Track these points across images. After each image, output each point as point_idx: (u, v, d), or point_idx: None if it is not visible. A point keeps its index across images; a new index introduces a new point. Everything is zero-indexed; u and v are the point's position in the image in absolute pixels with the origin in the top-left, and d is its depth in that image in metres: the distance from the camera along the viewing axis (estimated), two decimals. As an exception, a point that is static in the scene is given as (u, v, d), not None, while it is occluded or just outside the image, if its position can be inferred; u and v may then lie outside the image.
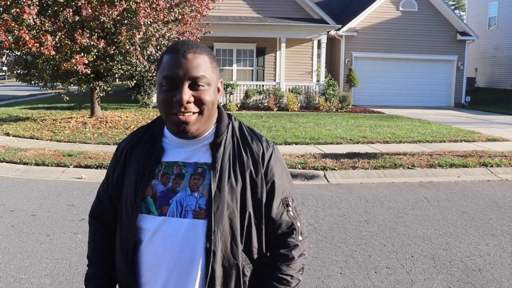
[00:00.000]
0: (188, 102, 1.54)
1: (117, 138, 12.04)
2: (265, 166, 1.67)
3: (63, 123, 14.48)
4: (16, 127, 13.68)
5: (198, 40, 14.91)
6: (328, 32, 21.75)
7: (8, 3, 11.69)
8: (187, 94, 1.53)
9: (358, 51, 23.32)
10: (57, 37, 12.06)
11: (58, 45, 12.18)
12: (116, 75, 14.74)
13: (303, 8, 21.07)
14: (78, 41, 11.96)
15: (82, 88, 14.36)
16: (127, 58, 13.15)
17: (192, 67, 1.54)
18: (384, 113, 20.02)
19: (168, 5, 13.44)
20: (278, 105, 20.04)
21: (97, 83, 14.24)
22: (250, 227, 1.65)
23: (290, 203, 1.73)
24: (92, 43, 12.07)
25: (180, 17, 13.98)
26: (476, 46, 28.70)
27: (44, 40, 11.70)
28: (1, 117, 16.19)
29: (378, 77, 23.90)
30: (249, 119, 15.88)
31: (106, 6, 12.09)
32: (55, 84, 14.39)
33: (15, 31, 11.71)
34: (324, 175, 9.04)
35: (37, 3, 11.91)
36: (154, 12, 12.79)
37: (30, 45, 11.61)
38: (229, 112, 1.77)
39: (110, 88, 15.08)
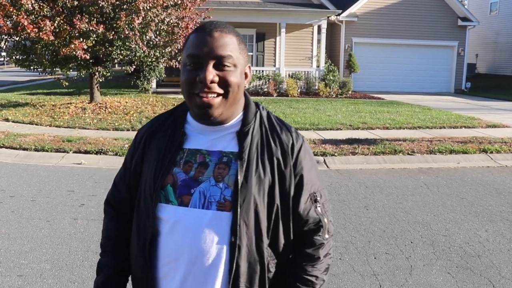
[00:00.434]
0: (212, 82, 1.45)
1: (116, 124, 12.02)
2: (294, 158, 1.59)
3: (62, 108, 14.44)
4: (16, 112, 13.65)
5: (198, 25, 14.78)
6: (328, 17, 21.61)
7: (6, -13, 11.61)
8: (211, 73, 1.44)
9: (359, 37, 23.20)
10: (56, 22, 11.97)
11: (57, 30, 12.11)
12: (115, 61, 14.66)
13: (303, -7, 20.95)
14: (77, 26, 11.89)
15: (81, 74, 14.29)
16: (126, 43, 13.07)
17: (217, 46, 1.45)
18: (384, 99, 19.98)
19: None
20: (277, 90, 19.98)
21: (96, 69, 14.17)
22: (277, 221, 1.56)
23: (318, 198, 1.64)
24: (91, 28, 12.00)
25: (179, 2, 13.88)
26: (477, 32, 28.55)
27: (42, 25, 11.63)
28: (0, 102, 16.15)
29: (378, 63, 23.80)
30: (249, 105, 15.80)
31: (105, -10, 12.00)
32: (54, 69, 14.32)
33: (14, 16, 11.63)
34: (324, 161, 9.04)
35: (35, -13, 11.83)
36: (153, -3, 12.71)
37: (28, 30, 11.54)
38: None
39: (109, 74, 15.01)
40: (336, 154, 9.33)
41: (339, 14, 22.07)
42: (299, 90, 20.28)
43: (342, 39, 23.15)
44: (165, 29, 13.92)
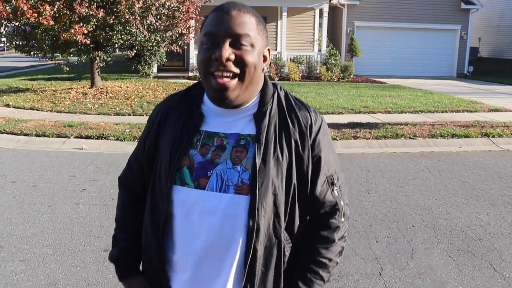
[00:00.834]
0: (228, 60, 1.41)
1: (117, 109, 12.00)
2: (312, 139, 1.55)
3: (63, 93, 14.42)
4: (16, 98, 13.63)
5: (199, 9, 14.75)
6: (330, 0, 21.46)
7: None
8: (227, 51, 1.40)
9: (360, 20, 23.07)
10: (56, 6, 11.89)
11: (57, 15, 12.03)
12: (116, 45, 14.61)
13: (304, -24, 20.79)
14: (77, 11, 11.81)
15: (81, 59, 14.24)
16: (127, 27, 13.00)
17: (235, 24, 1.42)
18: (386, 83, 19.91)
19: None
20: (279, 75, 19.92)
21: (97, 53, 14.12)
22: (294, 204, 1.54)
23: (335, 181, 1.61)
24: (91, 12, 11.92)
25: (180, -15, 13.80)
26: (480, 15, 28.35)
27: (42, 10, 11.55)
28: (1, 88, 16.11)
29: (380, 47, 23.69)
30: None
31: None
32: (54, 54, 14.26)
33: (13, 1, 11.55)
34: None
35: (34, -29, 11.74)
36: (154, -19, 12.62)
37: (28, 15, 11.47)
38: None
39: (110, 58, 14.95)
40: (338, 138, 9.32)
41: (340, -2, 21.93)
42: (300, 74, 20.22)
43: (344, 23, 23.02)
44: (166, 13, 13.83)
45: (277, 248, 1.53)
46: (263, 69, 1.54)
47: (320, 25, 21.71)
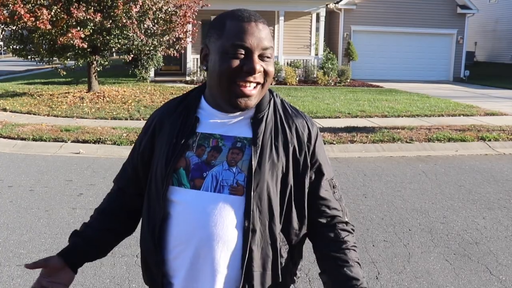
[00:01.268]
0: (259, 72, 1.48)
1: (114, 113, 12.00)
2: (312, 146, 1.63)
3: (60, 98, 14.41)
4: (13, 102, 13.61)
5: (196, 13, 14.78)
6: (327, 5, 21.51)
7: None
8: (258, 64, 1.47)
9: (357, 25, 23.12)
10: (53, 11, 11.90)
11: (54, 19, 12.04)
12: (113, 49, 14.60)
13: (301, -20, 20.83)
14: (74, 15, 11.82)
15: (79, 63, 14.23)
16: (124, 32, 13.01)
17: (263, 37, 1.48)
18: (382, 87, 19.95)
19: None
20: (276, 79, 19.92)
21: (94, 58, 14.12)
22: (290, 207, 1.58)
23: (335, 184, 1.70)
24: (88, 17, 11.93)
25: (177, -10, 13.82)
26: (477, 20, 28.41)
27: (39, 14, 11.56)
28: (-2, 92, 16.11)
29: (377, 51, 23.74)
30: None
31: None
32: (51, 59, 14.27)
33: (10, 5, 11.57)
34: (322, 149, 9.02)
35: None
36: (151, -15, 12.64)
37: (25, 19, 11.48)
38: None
39: (107, 63, 14.96)
40: (334, 142, 9.34)
41: (337, 2, 22.00)
42: (297, 78, 20.24)
43: (340, 27, 23.07)
44: (163, 17, 13.85)
45: (273, 249, 1.55)
46: None
47: (317, 29, 21.75)
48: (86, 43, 12.48)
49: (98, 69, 15.09)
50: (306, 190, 1.61)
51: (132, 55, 15.20)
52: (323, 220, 1.64)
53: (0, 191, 6.35)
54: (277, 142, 1.56)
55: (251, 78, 1.47)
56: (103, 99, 14.08)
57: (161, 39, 14.29)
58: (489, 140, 9.75)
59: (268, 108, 1.60)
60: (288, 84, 19.60)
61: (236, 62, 1.46)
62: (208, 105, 1.60)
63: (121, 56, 18.53)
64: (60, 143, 9.03)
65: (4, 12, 11.97)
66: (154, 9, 13.16)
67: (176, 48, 15.28)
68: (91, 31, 12.45)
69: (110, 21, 12.50)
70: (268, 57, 1.50)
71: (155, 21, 13.73)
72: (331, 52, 21.90)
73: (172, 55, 15.33)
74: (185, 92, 1.73)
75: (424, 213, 5.80)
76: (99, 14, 12.11)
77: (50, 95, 15.13)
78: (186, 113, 1.61)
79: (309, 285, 4.04)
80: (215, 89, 1.54)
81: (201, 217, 1.49)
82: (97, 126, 10.42)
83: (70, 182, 6.85)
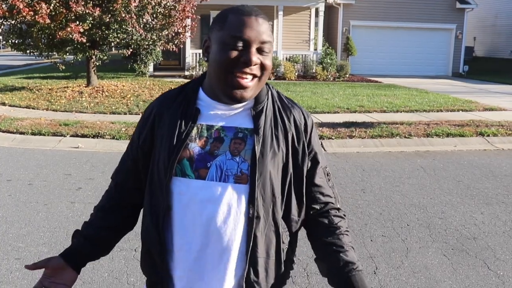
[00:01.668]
0: (255, 64, 1.51)
1: (113, 107, 12.00)
2: (309, 136, 1.69)
3: (59, 92, 14.40)
4: (12, 96, 13.60)
5: (195, 8, 14.75)
6: (326, 0, 21.49)
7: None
8: (255, 56, 1.51)
9: (356, 20, 23.10)
10: (52, 5, 11.88)
11: (53, 13, 12.01)
12: (112, 44, 14.58)
13: (301, -25, 20.80)
14: (73, 9, 11.79)
15: (78, 57, 14.23)
16: (123, 26, 12.99)
17: (262, 31, 1.52)
18: (381, 82, 19.95)
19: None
20: (275, 74, 19.92)
21: (93, 52, 14.10)
22: (290, 194, 1.64)
23: (329, 173, 1.76)
24: (87, 11, 11.90)
25: (176, -16, 13.79)
26: (476, 15, 28.40)
27: (38, 8, 11.53)
28: (-4, 86, 16.09)
29: (376, 46, 23.73)
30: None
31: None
32: (50, 53, 14.25)
33: (9, -1, 11.55)
34: (321, 144, 9.03)
35: (30, -30, 11.71)
36: (150, -21, 12.61)
37: (24, 14, 11.45)
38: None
39: (106, 57, 14.94)
40: (333, 137, 9.34)
41: (336, -3, 21.95)
42: (296, 74, 20.24)
43: (339, 22, 23.05)
44: (162, 12, 13.81)
45: (276, 236, 1.60)
46: None
47: (316, 24, 21.72)
48: (85, 38, 12.46)
49: (97, 64, 15.07)
50: (304, 178, 1.66)
51: (131, 50, 15.18)
52: (317, 207, 1.70)
53: (-1, 185, 6.36)
54: (277, 132, 1.61)
55: (247, 70, 1.51)
56: (102, 94, 14.07)
57: (160, 34, 14.27)
58: (488, 136, 9.75)
59: (267, 100, 1.65)
60: (287, 79, 19.59)
61: (234, 53, 1.50)
62: (207, 96, 1.63)
63: (120, 51, 18.52)
64: (59, 137, 9.03)
65: (3, 6, 11.94)
66: (153, 3, 13.14)
67: (175, 42, 15.26)
68: (90, 25, 12.43)
69: (109, 15, 12.47)
70: (266, 51, 1.53)
71: (154, 15, 13.70)
72: (330, 47, 21.88)
73: (171, 49, 15.31)
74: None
75: (422, 208, 5.81)
76: (98, 9, 12.09)
77: (49, 89, 15.12)
78: (185, 104, 1.64)
79: (307, 279, 4.06)
80: (214, 79, 1.57)
81: (208, 206, 1.53)
82: (96, 120, 10.42)
83: (69, 176, 6.85)
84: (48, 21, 11.72)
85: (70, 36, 11.95)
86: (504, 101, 14.70)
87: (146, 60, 19.30)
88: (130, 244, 4.55)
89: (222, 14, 1.58)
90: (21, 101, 12.81)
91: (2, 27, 13.56)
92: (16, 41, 13.77)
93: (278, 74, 20.05)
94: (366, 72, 22.98)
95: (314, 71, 20.59)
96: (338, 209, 1.74)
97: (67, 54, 14.15)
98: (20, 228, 4.99)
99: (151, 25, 13.76)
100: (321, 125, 10.36)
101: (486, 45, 30.86)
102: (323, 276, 1.68)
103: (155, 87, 15.94)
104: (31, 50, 13.87)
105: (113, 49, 21.07)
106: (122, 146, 8.57)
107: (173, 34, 14.76)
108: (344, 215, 1.75)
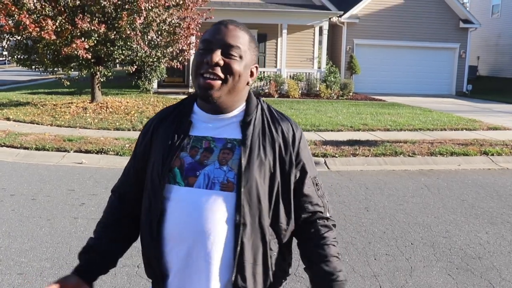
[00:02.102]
0: (217, 65, 1.58)
1: (117, 124, 12.02)
2: (297, 147, 1.72)
3: (63, 108, 14.45)
4: (17, 112, 13.65)
5: (199, 26, 14.85)
6: (330, 18, 21.62)
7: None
8: (217, 56, 1.58)
9: (360, 38, 23.20)
10: (58, 21, 11.98)
11: (59, 29, 12.12)
12: (117, 60, 14.68)
13: (305, -6, 20.94)
14: (79, 26, 11.90)
15: (82, 73, 14.31)
16: (128, 43, 13.08)
17: (229, 36, 1.61)
18: (385, 100, 19.97)
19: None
20: (279, 91, 19.98)
21: (97, 68, 14.18)
22: (278, 202, 1.67)
23: (318, 182, 1.78)
24: (92, 27, 12.00)
25: (181, 2, 13.89)
26: (479, 34, 28.52)
27: (44, 24, 11.64)
28: (1, 101, 16.16)
29: (379, 65, 23.80)
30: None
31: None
32: (55, 69, 14.34)
33: (15, 15, 11.65)
34: (325, 162, 9.03)
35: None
36: (155, -3, 12.71)
37: (30, 30, 11.56)
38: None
39: (110, 74, 15.02)
40: (336, 155, 9.33)
41: (340, 16, 22.07)
42: (300, 91, 20.29)
43: (343, 41, 23.15)
44: (167, 29, 13.92)
45: (263, 243, 1.64)
46: (248, 83, 1.70)
47: (320, 42, 21.84)
48: (90, 54, 12.55)
49: (102, 80, 15.15)
50: (292, 187, 1.70)
51: (135, 66, 15.27)
52: (305, 215, 1.74)
53: (3, 200, 6.36)
54: (265, 143, 1.67)
55: (210, 69, 1.58)
56: (106, 110, 14.11)
57: (164, 51, 14.36)
58: (492, 155, 9.73)
59: (256, 112, 1.72)
60: (290, 97, 19.64)
61: (202, 57, 1.61)
62: (200, 109, 1.72)
63: (124, 67, 18.63)
64: (63, 153, 9.04)
65: (10, 22, 12.04)
66: (158, 21, 13.24)
67: (180, 60, 15.34)
68: (95, 42, 12.52)
69: (114, 32, 12.57)
70: (234, 55, 1.60)
71: (159, 32, 13.79)
72: (334, 66, 21.96)
73: (175, 67, 15.40)
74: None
75: (426, 227, 5.78)
76: (103, 25, 12.18)
77: (54, 105, 15.18)
78: (179, 118, 1.74)
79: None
80: (193, 83, 1.68)
81: (193, 212, 1.59)
82: (100, 136, 10.44)
83: (72, 191, 6.85)
84: (53, 37, 11.81)
85: (75, 52, 12.04)
86: (508, 121, 14.69)
87: (150, 77, 19.39)
88: (133, 260, 4.52)
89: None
90: (25, 116, 12.85)
91: (8, 42, 13.66)
92: (22, 57, 13.87)
93: (281, 92, 20.10)
94: (370, 90, 23.03)
95: (317, 89, 20.64)
96: (327, 218, 1.77)
97: (72, 70, 14.25)
98: (23, 243, 4.98)
99: (156, 42, 13.85)
100: (325, 143, 10.35)
101: (490, 64, 30.93)
102: (311, 285, 1.73)
103: (159, 103, 15.99)
104: (36, 66, 13.96)
105: (118, 65, 21.19)
106: (125, 162, 8.50)
107: (178, 51, 14.85)
108: (334, 225, 1.78)
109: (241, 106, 1.73)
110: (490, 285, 4.33)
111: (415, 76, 24.24)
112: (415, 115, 15.21)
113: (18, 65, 14.49)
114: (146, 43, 13.42)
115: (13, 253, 4.72)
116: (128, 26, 12.45)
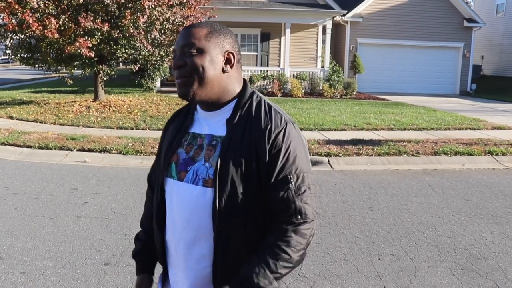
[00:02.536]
0: (180, 67, 1.68)
1: (120, 122, 12.01)
2: (271, 141, 1.69)
3: (66, 106, 14.45)
4: (20, 110, 13.66)
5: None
6: (333, 17, 21.58)
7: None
8: (178, 60, 1.69)
9: (363, 37, 23.15)
10: (61, 20, 11.98)
11: (62, 28, 12.11)
12: (120, 59, 14.67)
13: (308, -7, 20.90)
14: (82, 24, 11.89)
15: (85, 72, 14.31)
16: (131, 42, 13.07)
17: (183, 37, 1.71)
18: (388, 100, 19.93)
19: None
20: (282, 91, 19.96)
21: (100, 67, 14.18)
22: (254, 197, 1.71)
23: (292, 181, 1.69)
24: (96, 26, 12.00)
25: (184, 0, 13.87)
26: (483, 33, 28.43)
27: (47, 23, 11.63)
28: (4, 100, 16.17)
29: (383, 64, 23.75)
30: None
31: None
32: (58, 67, 14.34)
33: (19, 14, 11.64)
34: (328, 161, 9.00)
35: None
36: (159, -4, 12.70)
37: (33, 28, 11.55)
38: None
39: (113, 72, 15.01)
40: (340, 154, 9.30)
41: (344, 15, 22.03)
42: (303, 91, 20.25)
43: (347, 40, 23.10)
44: (170, 28, 13.90)
45: (239, 234, 1.71)
46: (223, 70, 1.72)
47: (323, 41, 21.79)
48: (93, 53, 12.54)
49: (105, 79, 15.14)
50: (265, 184, 1.72)
51: (138, 65, 15.27)
52: (271, 214, 1.74)
53: (6, 198, 6.35)
54: (244, 139, 1.71)
55: (177, 73, 1.71)
56: (109, 109, 14.11)
57: (168, 50, 14.35)
58: (497, 154, 9.68)
59: (242, 110, 1.75)
60: (294, 96, 19.61)
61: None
62: (200, 108, 1.84)
63: (127, 66, 18.63)
64: (66, 152, 9.04)
65: (13, 20, 12.04)
66: (161, 19, 13.22)
67: (183, 58, 15.30)
68: (98, 40, 12.52)
69: (118, 31, 12.56)
70: (191, 52, 1.68)
71: (162, 31, 13.78)
72: (337, 65, 21.93)
73: (178, 65, 15.35)
74: None
75: (430, 227, 5.74)
76: (106, 24, 12.17)
77: (57, 103, 15.18)
78: (186, 116, 1.89)
79: (314, 298, 3.99)
80: None
81: (181, 205, 1.75)
82: (103, 135, 10.43)
83: (75, 190, 6.84)
84: (57, 35, 11.81)
85: (79, 51, 12.03)
86: (512, 120, 14.64)
87: (153, 76, 19.38)
88: (136, 259, 4.50)
89: None
90: (28, 115, 12.86)
91: (11, 41, 13.67)
92: (25, 55, 13.87)
93: (285, 91, 20.07)
94: (373, 89, 22.99)
95: (321, 88, 20.60)
96: (289, 221, 1.68)
97: (75, 68, 14.25)
98: (25, 241, 4.96)
99: (159, 41, 13.84)
100: (328, 142, 10.32)
101: (494, 63, 30.83)
102: None
103: (162, 102, 15.98)
104: (40, 65, 13.96)
105: (121, 64, 21.23)
106: (128, 161, 8.57)
107: (181, 50, 14.82)
108: (294, 230, 1.67)
109: (233, 102, 1.78)
110: (495, 286, 4.30)
111: (419, 76, 24.18)
112: (419, 114, 15.17)
113: (21, 63, 14.48)
114: (149, 41, 13.41)
115: (16, 252, 4.70)
116: (132, 24, 12.44)
